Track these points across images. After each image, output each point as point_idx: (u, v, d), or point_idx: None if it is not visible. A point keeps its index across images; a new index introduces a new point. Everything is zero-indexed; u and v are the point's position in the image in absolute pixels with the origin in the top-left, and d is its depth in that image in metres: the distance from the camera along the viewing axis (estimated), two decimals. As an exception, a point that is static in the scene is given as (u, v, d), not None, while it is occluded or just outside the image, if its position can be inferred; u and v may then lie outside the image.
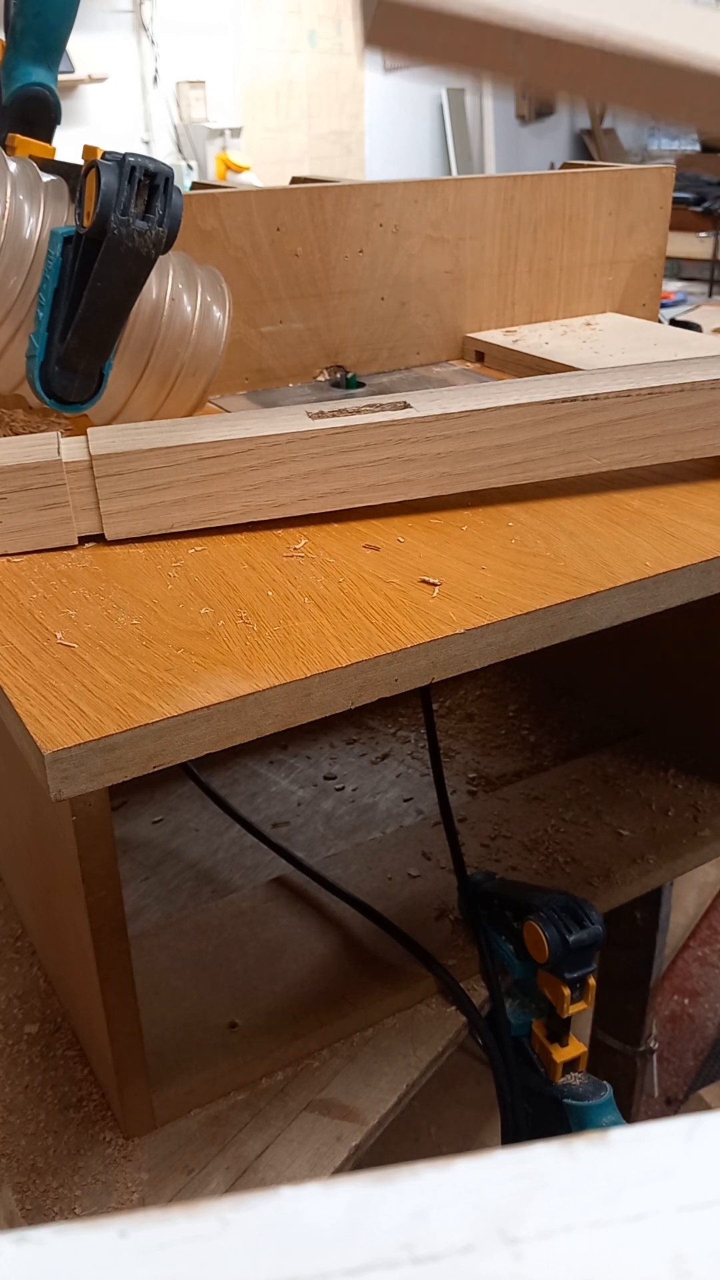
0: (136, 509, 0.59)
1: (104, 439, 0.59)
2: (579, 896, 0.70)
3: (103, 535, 0.60)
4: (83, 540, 0.60)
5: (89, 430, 0.61)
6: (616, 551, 0.58)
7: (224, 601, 0.53)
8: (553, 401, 0.62)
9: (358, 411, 0.62)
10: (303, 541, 0.59)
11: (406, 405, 0.63)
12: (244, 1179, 0.63)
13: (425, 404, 0.62)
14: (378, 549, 0.59)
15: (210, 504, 0.60)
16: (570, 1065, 0.71)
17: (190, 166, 4.40)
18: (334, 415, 0.62)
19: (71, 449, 0.59)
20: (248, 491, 0.60)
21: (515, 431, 0.62)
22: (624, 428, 0.64)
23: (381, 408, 0.63)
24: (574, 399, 0.62)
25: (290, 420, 0.61)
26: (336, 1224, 0.18)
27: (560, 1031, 0.71)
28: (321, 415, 0.62)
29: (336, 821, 0.95)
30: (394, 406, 0.63)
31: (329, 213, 0.89)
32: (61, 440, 0.59)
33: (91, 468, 0.58)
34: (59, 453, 0.58)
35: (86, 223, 0.60)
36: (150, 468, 0.59)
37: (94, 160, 0.60)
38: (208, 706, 0.44)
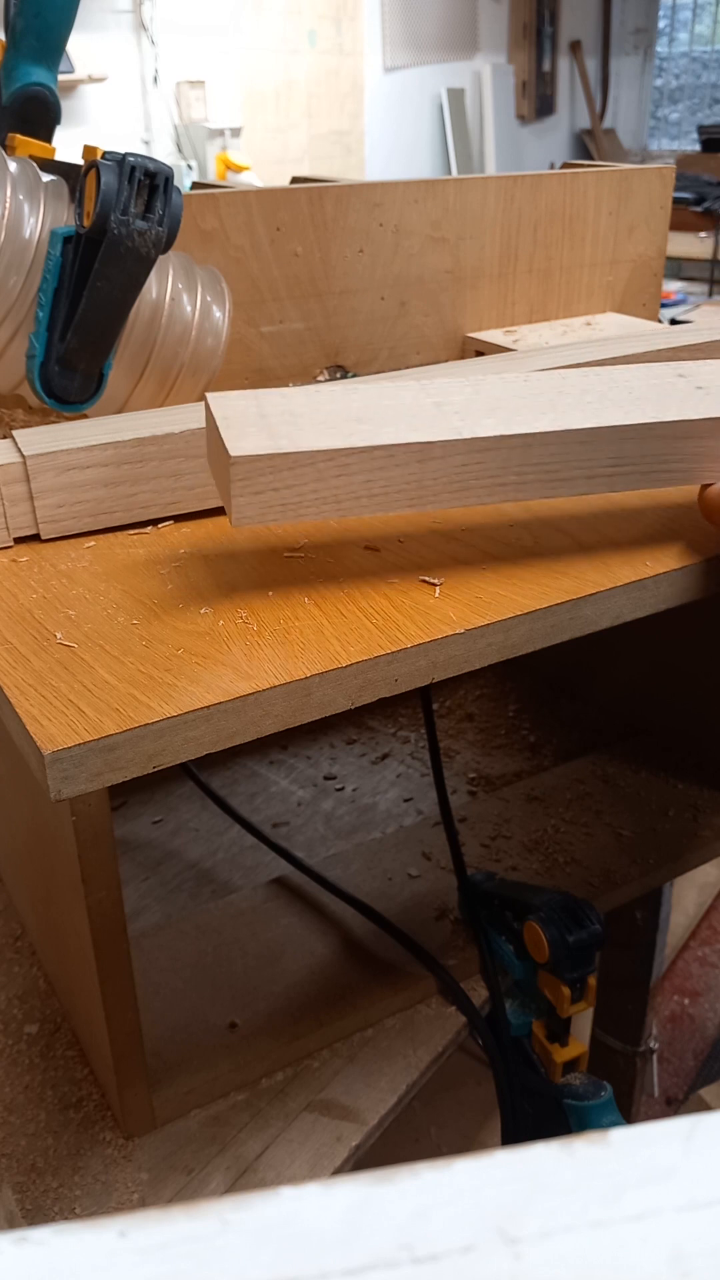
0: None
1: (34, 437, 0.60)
2: (579, 896, 0.70)
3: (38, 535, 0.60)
4: (18, 540, 0.60)
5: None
6: (616, 551, 0.58)
7: (224, 601, 0.53)
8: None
9: None
10: (303, 541, 0.59)
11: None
12: (244, 1179, 0.63)
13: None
14: (377, 549, 0.59)
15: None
16: (570, 1065, 0.71)
17: (190, 166, 4.40)
18: None
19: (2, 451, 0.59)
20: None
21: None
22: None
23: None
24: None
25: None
26: (336, 1224, 0.18)
27: (560, 1031, 0.71)
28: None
29: (336, 821, 0.95)
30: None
31: (329, 212, 0.89)
32: None
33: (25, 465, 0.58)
34: None
35: (86, 223, 0.60)
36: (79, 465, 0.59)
37: (94, 160, 0.60)
38: (208, 706, 0.44)
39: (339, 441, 0.51)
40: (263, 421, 0.52)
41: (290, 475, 0.50)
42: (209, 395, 0.54)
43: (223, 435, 0.50)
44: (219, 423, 0.51)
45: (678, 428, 0.54)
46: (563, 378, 0.58)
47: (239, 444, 0.50)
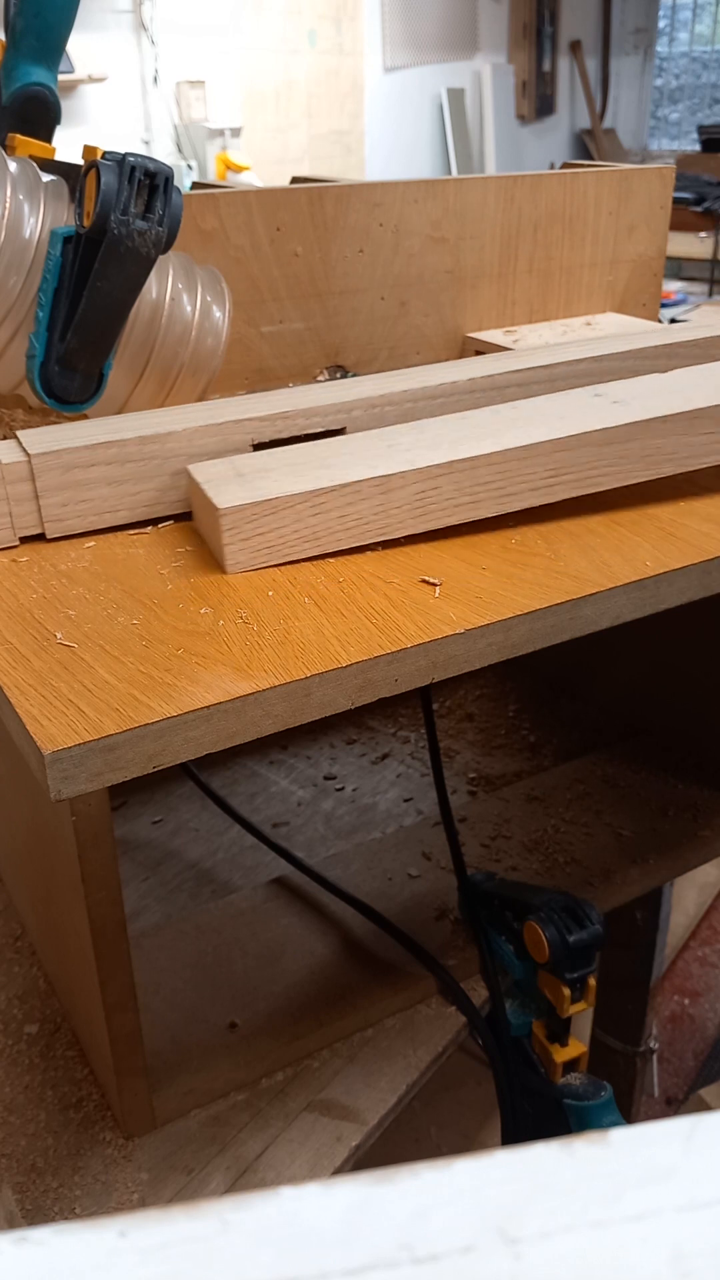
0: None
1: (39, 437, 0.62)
2: (579, 896, 0.70)
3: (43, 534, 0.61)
4: (24, 540, 0.60)
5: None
6: (616, 551, 0.58)
7: (224, 601, 0.53)
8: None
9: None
10: (303, 541, 0.59)
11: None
12: (244, 1179, 0.63)
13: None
14: (378, 550, 0.59)
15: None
16: (570, 1065, 0.71)
17: (190, 166, 4.40)
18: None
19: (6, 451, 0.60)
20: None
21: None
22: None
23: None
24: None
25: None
26: (336, 1224, 0.18)
27: (560, 1031, 0.71)
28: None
29: (336, 821, 0.95)
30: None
31: (329, 212, 0.89)
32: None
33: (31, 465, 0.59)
34: None
35: (86, 223, 0.60)
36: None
37: (94, 160, 0.60)
38: (208, 706, 0.44)
39: (310, 484, 0.57)
40: (240, 479, 0.58)
41: (273, 519, 0.56)
42: (191, 465, 0.60)
43: (208, 494, 0.56)
44: (203, 485, 0.58)
45: (596, 436, 0.62)
46: (495, 411, 0.66)
47: (224, 498, 0.56)
